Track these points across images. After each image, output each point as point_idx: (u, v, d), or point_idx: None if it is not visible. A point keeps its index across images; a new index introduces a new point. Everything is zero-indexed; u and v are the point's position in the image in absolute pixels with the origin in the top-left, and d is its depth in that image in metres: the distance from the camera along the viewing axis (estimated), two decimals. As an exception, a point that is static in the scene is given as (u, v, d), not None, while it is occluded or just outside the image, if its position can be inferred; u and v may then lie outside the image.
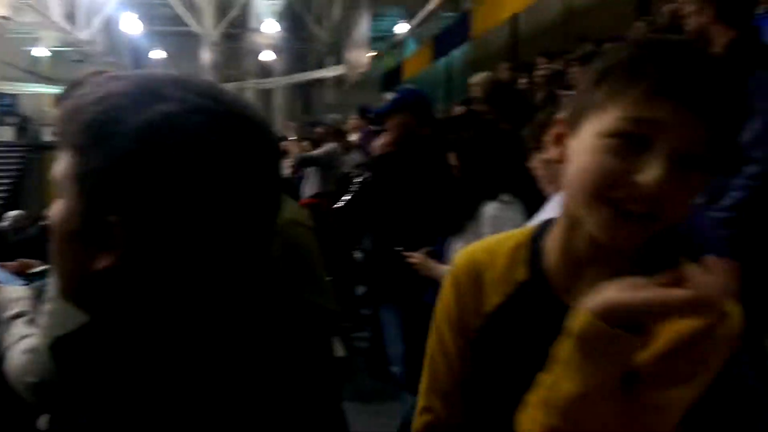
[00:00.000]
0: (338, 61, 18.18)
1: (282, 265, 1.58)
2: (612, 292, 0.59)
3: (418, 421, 0.90)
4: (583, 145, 0.69)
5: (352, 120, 5.53)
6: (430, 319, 2.58)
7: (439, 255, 2.37)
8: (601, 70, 0.69)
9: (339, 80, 18.38)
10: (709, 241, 1.68)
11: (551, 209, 1.54)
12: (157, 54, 20.02)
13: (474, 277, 0.84)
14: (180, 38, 18.86)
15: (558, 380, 0.62)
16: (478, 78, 4.55)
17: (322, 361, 1.45)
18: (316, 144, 6.03)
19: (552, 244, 0.79)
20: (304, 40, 20.32)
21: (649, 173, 0.63)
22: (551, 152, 0.75)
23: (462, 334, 0.85)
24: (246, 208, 0.56)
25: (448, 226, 2.39)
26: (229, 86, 18.10)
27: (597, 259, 0.72)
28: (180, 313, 0.57)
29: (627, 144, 0.65)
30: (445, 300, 0.86)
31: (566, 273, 0.76)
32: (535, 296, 0.78)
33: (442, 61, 14.88)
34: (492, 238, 0.89)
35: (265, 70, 19.00)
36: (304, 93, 20.22)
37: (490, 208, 2.12)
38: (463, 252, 0.88)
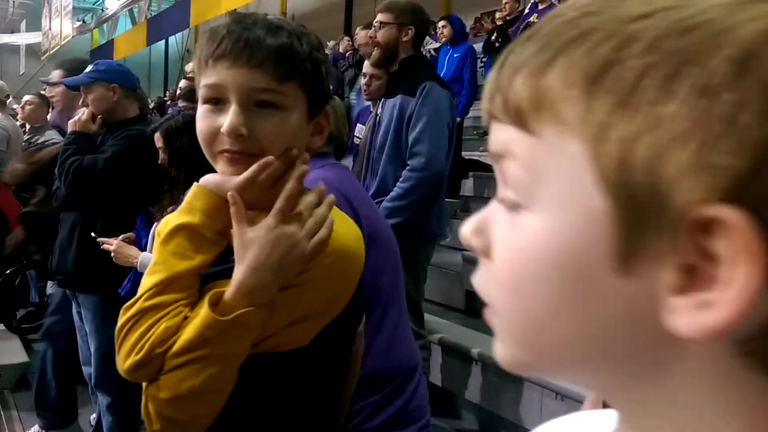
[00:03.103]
0: (35, 28, 15.92)
1: None
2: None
3: None
4: (197, 119, 0.84)
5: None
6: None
7: (139, 242, 2.31)
8: (194, 59, 0.88)
9: (35, 49, 16.10)
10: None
11: None
12: None
13: None
14: None
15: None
16: (190, 66, 4.49)
17: None
18: None
19: None
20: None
21: (226, 122, 0.79)
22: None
23: None
24: None
25: (152, 211, 2.34)
26: None
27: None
28: None
29: (212, 105, 0.82)
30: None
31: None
32: None
33: (160, 45, 14.13)
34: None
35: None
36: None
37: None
38: (165, 218, 0.93)
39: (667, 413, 0.27)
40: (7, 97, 4.68)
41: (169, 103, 8.58)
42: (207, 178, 0.84)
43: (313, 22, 9.80)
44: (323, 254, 0.82)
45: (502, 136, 0.30)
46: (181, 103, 4.01)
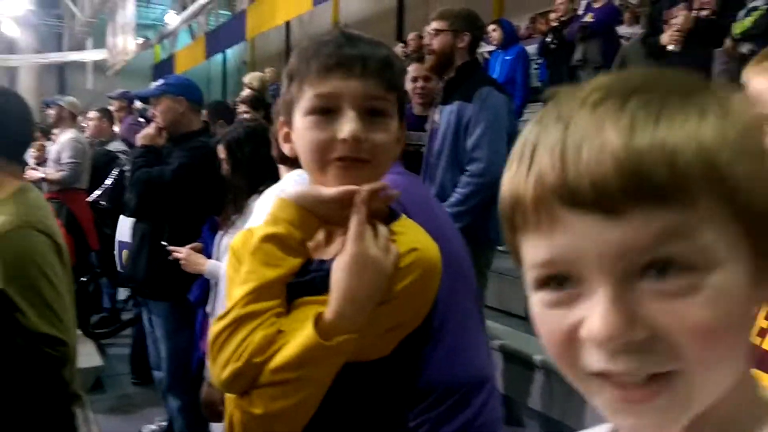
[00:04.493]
0: (100, 45, 16.66)
1: (5, 282, 1.37)
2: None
3: None
4: (297, 130, 0.87)
5: (117, 104, 5.10)
6: (194, 318, 2.57)
7: (206, 250, 2.39)
8: (289, 69, 0.89)
9: (101, 66, 16.84)
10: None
11: (285, 183, 1.67)
12: None
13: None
14: None
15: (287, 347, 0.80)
16: (248, 78, 4.63)
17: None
18: (46, 132, 5.39)
19: None
20: (57, 18, 18.23)
21: (346, 129, 0.82)
22: (285, 149, 0.93)
23: None
24: None
25: (217, 220, 2.42)
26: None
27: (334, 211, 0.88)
28: None
29: (321, 115, 0.84)
30: (230, 278, 0.95)
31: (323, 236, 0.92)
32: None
33: (218, 58, 14.54)
34: (254, 226, 1.00)
35: (11, 46, 16.61)
36: (60, 76, 18.13)
37: (257, 203, 2.21)
38: (239, 233, 0.99)
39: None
40: (80, 113, 4.93)
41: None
42: (289, 192, 0.88)
43: (364, 29, 9.86)
44: (410, 267, 0.84)
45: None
46: (242, 108, 4.13)
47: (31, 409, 1.38)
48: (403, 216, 0.93)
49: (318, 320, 0.79)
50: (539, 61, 6.38)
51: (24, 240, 1.46)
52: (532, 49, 5.97)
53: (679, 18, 3.41)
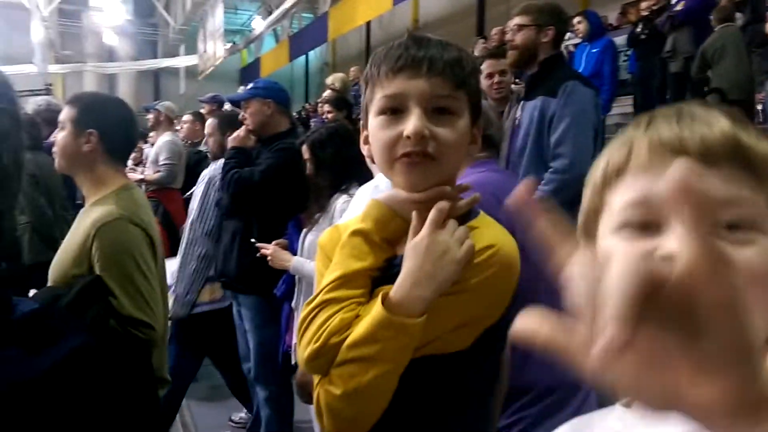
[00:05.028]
0: (191, 51, 17.51)
1: (102, 269, 1.53)
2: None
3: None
4: (371, 131, 0.92)
5: (208, 107, 5.36)
6: (280, 312, 2.66)
7: (291, 247, 2.47)
8: (364, 74, 0.94)
9: (192, 71, 17.70)
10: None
11: (378, 180, 1.70)
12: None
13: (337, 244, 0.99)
14: (10, 10, 17.00)
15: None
16: (330, 79, 4.73)
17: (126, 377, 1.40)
18: (143, 135, 5.62)
19: None
20: (153, 26, 19.29)
21: (410, 125, 0.86)
22: (364, 151, 0.98)
23: None
24: None
25: (301, 218, 2.50)
26: (65, 68, 16.74)
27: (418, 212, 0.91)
28: None
29: (390, 115, 0.89)
30: (319, 272, 1.00)
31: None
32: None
33: (301, 60, 14.92)
34: (341, 223, 1.08)
35: (110, 55, 17.76)
36: (155, 81, 19.20)
37: (340, 201, 2.26)
38: (327, 231, 1.05)
39: None
40: (175, 117, 5.22)
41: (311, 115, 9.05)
42: (381, 194, 0.94)
43: (444, 27, 9.84)
44: (487, 262, 0.86)
45: None
46: (326, 107, 4.22)
47: (118, 387, 1.50)
48: (482, 213, 0.95)
49: (384, 298, 0.84)
50: (629, 52, 6.13)
51: (121, 232, 1.60)
52: (621, 40, 5.75)
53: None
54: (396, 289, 0.84)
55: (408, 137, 0.86)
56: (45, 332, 0.58)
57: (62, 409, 0.57)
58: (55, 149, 1.75)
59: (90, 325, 1.36)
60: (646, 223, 0.44)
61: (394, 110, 0.88)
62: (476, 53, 7.50)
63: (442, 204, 0.86)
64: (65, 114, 1.73)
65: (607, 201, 0.49)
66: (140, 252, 1.62)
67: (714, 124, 0.47)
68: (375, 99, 0.90)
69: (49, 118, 3.73)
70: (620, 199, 0.47)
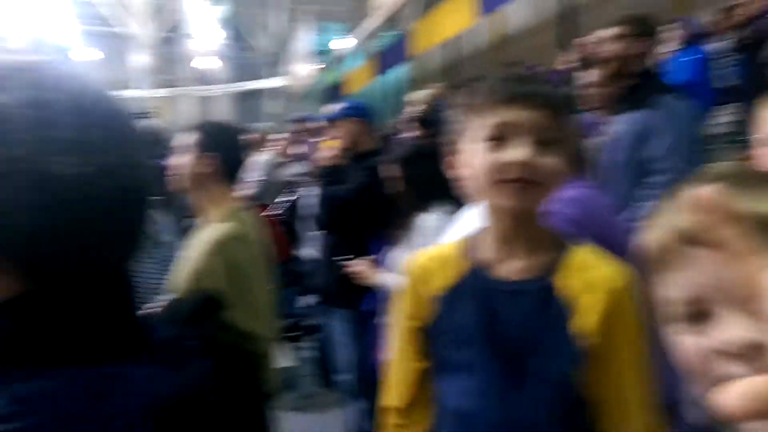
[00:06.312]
0: (281, 73, 18.20)
1: (224, 286, 1.63)
2: None
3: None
4: (468, 156, 0.96)
5: (298, 126, 5.59)
6: (368, 327, 2.72)
7: (378, 264, 2.50)
8: (456, 101, 1.01)
9: (282, 92, 18.38)
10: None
11: (467, 219, 1.70)
12: (91, 54, 19.41)
13: (423, 277, 1.05)
14: (115, 39, 18.36)
15: None
16: (415, 96, 4.77)
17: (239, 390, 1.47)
18: None
19: (483, 238, 1.02)
20: (246, 50, 20.22)
21: (516, 152, 0.92)
22: (453, 174, 1.02)
23: (417, 322, 1.05)
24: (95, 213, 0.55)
25: (387, 236, 2.53)
26: (165, 92, 17.87)
27: (518, 235, 0.98)
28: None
29: (497, 141, 0.94)
30: (401, 302, 1.05)
31: (498, 254, 0.99)
32: (477, 278, 1.01)
33: (384, 78, 15.11)
34: (432, 248, 1.12)
35: (206, 78, 18.77)
36: (247, 102, 20.09)
37: (424, 219, 2.27)
38: (411, 259, 1.09)
39: None
40: (268, 136, 5.48)
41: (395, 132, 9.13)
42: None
43: (525, 40, 9.71)
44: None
45: None
46: (413, 125, 4.26)
47: (228, 399, 1.58)
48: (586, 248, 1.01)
49: None
50: (729, 59, 5.82)
51: (239, 249, 1.73)
52: (720, 47, 5.45)
53: None
54: None
55: (517, 164, 0.92)
56: (182, 351, 0.62)
57: (202, 427, 0.60)
58: (175, 170, 1.89)
59: (210, 339, 1.44)
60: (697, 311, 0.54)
61: (499, 138, 0.94)
62: (559, 66, 7.33)
63: None
64: (190, 138, 1.87)
65: None
66: (254, 267, 1.74)
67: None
68: (475, 126, 0.96)
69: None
70: (669, 293, 0.56)
